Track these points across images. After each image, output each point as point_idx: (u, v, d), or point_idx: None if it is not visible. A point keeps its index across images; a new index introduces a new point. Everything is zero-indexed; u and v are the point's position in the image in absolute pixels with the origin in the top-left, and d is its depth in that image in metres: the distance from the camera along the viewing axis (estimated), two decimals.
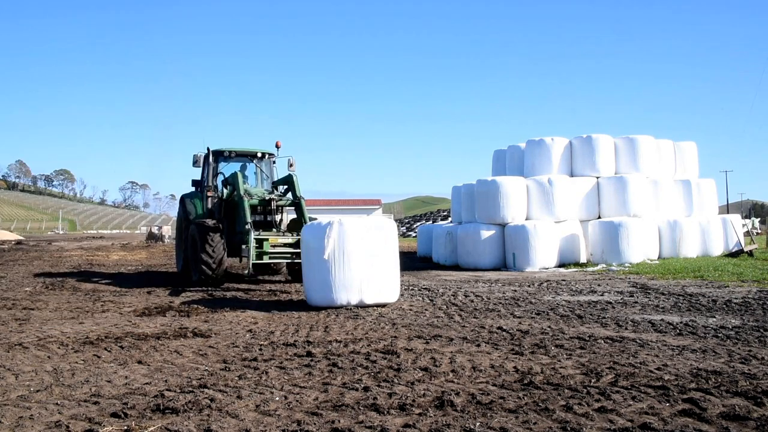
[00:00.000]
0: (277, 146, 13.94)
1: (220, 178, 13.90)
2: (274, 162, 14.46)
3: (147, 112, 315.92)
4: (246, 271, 11.33)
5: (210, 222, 12.33)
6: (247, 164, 14.32)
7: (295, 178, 12.66)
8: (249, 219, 11.68)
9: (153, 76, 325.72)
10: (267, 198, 12.68)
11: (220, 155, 13.96)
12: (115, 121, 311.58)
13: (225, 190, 13.14)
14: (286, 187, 13.17)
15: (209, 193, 13.63)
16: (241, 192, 12.23)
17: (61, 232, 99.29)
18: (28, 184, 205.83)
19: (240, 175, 12.77)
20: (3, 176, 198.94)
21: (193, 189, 14.70)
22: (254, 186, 14.03)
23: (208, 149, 13.81)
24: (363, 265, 8.72)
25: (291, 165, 13.73)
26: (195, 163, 13.67)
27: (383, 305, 8.96)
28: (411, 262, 20.61)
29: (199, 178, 14.54)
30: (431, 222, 46.50)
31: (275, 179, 14.05)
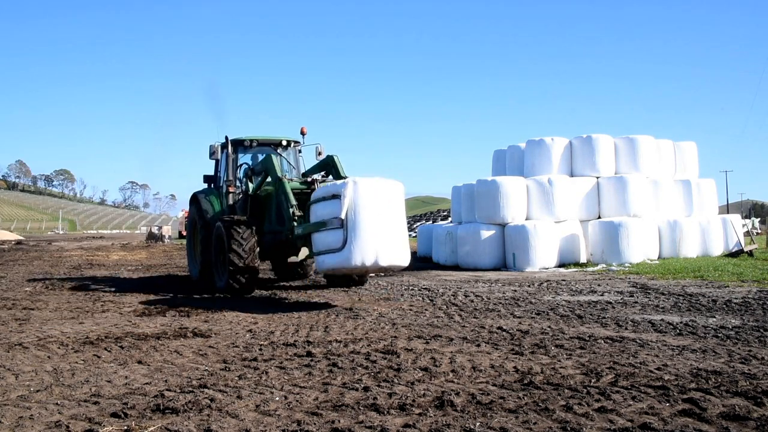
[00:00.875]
0: (303, 133, 12.40)
1: (242, 169, 12.33)
2: (300, 151, 12.84)
3: (147, 111, 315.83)
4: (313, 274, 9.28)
5: (239, 218, 10.98)
6: (271, 154, 12.39)
7: (336, 158, 10.80)
8: (294, 201, 9.96)
9: (153, 75, 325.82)
10: (307, 186, 10.84)
11: (239, 145, 12.31)
12: (115, 121, 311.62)
13: (250, 184, 11.80)
14: (323, 173, 11.35)
15: (231, 189, 12.01)
16: (278, 173, 10.51)
17: (61, 232, 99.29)
18: (28, 184, 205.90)
19: (275, 158, 10.98)
20: (3, 176, 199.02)
21: (206, 185, 13.25)
22: None
23: (226, 138, 12.23)
24: (378, 225, 8.46)
25: (320, 153, 12.11)
26: (212, 154, 12.23)
27: (398, 268, 8.88)
28: (411, 262, 20.59)
29: (212, 173, 13.13)
30: (431, 222, 46.49)
31: (303, 170, 12.39)
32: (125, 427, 3.74)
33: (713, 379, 4.58)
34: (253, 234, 10.69)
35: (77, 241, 49.61)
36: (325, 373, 5.00)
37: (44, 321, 7.98)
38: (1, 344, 6.34)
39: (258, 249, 10.73)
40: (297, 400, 4.23)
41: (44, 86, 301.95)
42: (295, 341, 6.37)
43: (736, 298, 9.23)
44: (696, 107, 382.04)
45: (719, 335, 6.43)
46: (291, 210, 9.93)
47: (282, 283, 12.88)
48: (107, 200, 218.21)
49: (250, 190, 11.78)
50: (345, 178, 10.46)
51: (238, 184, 12.25)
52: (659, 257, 17.03)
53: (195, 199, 13.07)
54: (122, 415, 3.94)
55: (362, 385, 4.55)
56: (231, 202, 12.03)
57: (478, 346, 6.00)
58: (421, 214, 66.32)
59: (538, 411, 3.92)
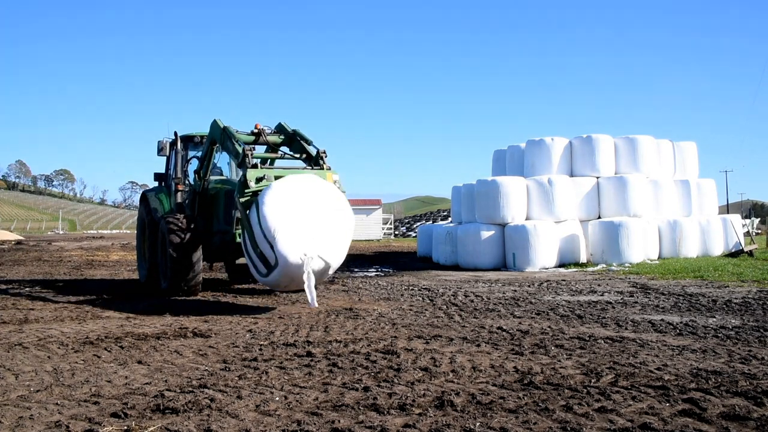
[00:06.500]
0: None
1: (191, 167, 11.61)
2: (253, 148, 11.55)
3: (147, 111, 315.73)
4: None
5: (179, 215, 10.50)
6: (223, 152, 11.49)
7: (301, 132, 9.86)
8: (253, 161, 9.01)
9: (154, 74, 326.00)
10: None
11: (189, 141, 11.75)
12: (115, 121, 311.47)
13: (199, 181, 11.06)
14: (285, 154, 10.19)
15: (179, 186, 11.33)
16: (239, 149, 9.29)
17: (61, 232, 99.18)
18: (28, 184, 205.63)
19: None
20: (3, 176, 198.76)
21: (157, 183, 12.59)
22: (230, 177, 11.80)
23: (175, 134, 11.60)
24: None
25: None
26: (160, 151, 11.66)
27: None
28: (411, 262, 20.61)
29: (163, 171, 12.49)
30: (431, 222, 46.50)
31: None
32: (125, 427, 3.74)
33: (713, 379, 4.58)
34: (189, 230, 10.10)
35: (77, 241, 49.58)
36: (325, 373, 5.00)
37: (44, 321, 7.97)
38: (1, 344, 6.34)
39: (200, 247, 10.21)
40: (297, 400, 4.23)
41: (44, 86, 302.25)
42: (295, 341, 6.37)
43: (736, 298, 9.23)
44: (696, 107, 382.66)
45: (719, 335, 6.43)
46: (234, 213, 9.38)
47: (237, 286, 12.32)
48: (107, 200, 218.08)
49: (198, 187, 11.06)
50: (320, 151, 9.66)
51: (186, 181, 11.57)
52: (659, 257, 17.03)
53: (144, 198, 12.45)
54: (122, 415, 3.94)
55: (362, 385, 4.55)
56: (179, 200, 11.36)
57: (478, 346, 6.00)
58: (421, 214, 66.30)
59: (538, 411, 3.92)
